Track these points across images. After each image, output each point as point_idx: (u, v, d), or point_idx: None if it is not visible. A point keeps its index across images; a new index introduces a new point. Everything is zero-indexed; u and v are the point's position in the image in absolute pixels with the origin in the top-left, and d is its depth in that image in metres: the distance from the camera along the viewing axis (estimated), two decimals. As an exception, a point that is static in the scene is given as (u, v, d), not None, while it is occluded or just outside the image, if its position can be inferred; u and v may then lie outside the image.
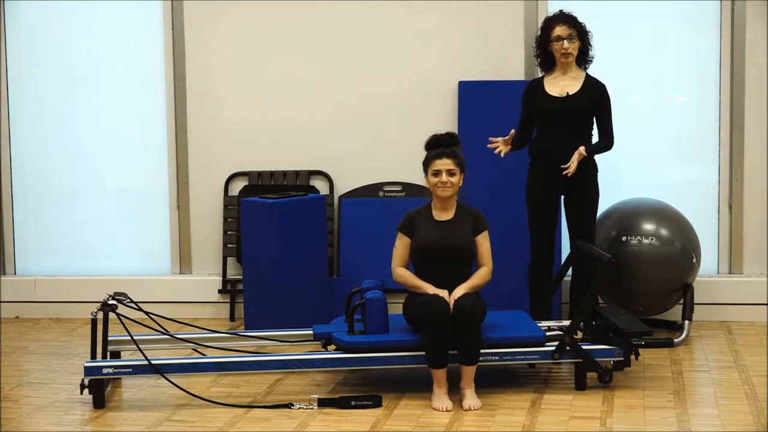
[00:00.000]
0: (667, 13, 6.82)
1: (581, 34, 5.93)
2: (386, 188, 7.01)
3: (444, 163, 5.29)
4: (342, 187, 7.07)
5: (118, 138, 7.33)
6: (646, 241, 6.22)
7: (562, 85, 5.94)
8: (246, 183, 7.14)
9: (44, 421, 5.07)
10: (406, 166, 6.76)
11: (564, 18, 5.91)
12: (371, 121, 7.02)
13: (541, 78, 6.04)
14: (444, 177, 5.28)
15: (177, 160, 7.20)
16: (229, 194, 7.15)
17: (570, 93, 5.91)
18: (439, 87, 6.91)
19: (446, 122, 6.80)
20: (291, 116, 7.09)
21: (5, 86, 7.34)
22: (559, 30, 5.88)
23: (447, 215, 5.36)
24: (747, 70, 6.69)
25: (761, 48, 6.67)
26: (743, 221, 6.77)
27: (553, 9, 6.71)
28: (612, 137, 5.95)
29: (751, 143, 6.73)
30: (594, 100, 5.92)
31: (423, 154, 5.39)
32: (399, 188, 6.99)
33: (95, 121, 7.35)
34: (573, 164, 5.78)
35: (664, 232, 6.26)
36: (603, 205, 6.50)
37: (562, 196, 6.01)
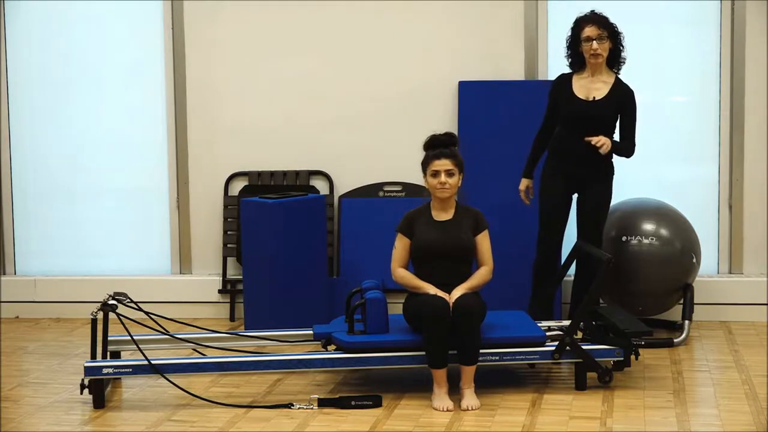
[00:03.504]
0: (667, 13, 6.82)
1: (612, 35, 5.88)
2: (386, 188, 7.01)
3: (443, 164, 5.29)
4: (342, 187, 7.07)
5: (118, 138, 7.33)
6: (646, 241, 6.22)
7: (590, 88, 5.91)
8: (246, 183, 7.14)
9: (44, 421, 5.07)
10: (406, 166, 6.75)
11: (594, 18, 5.86)
12: (371, 121, 7.02)
13: (571, 75, 6.00)
14: (443, 178, 5.28)
15: (177, 160, 7.21)
16: (229, 194, 7.15)
17: (597, 98, 5.89)
18: (439, 87, 6.91)
19: (446, 122, 6.80)
20: (291, 116, 7.09)
21: (5, 86, 7.34)
22: (589, 30, 5.84)
23: (446, 215, 5.36)
24: (747, 70, 6.69)
25: (761, 48, 6.67)
26: (743, 221, 6.77)
27: (553, 9, 6.74)
28: (633, 142, 5.95)
29: (751, 143, 6.73)
30: (620, 105, 5.90)
31: (422, 154, 5.39)
32: (399, 188, 6.98)
33: (95, 121, 7.35)
34: (602, 138, 5.74)
35: (664, 232, 6.26)
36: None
37: (576, 195, 6.01)
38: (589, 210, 5.96)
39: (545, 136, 6.04)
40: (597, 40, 5.83)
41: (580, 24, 5.90)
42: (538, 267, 6.05)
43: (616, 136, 5.97)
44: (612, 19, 5.92)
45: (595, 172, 5.90)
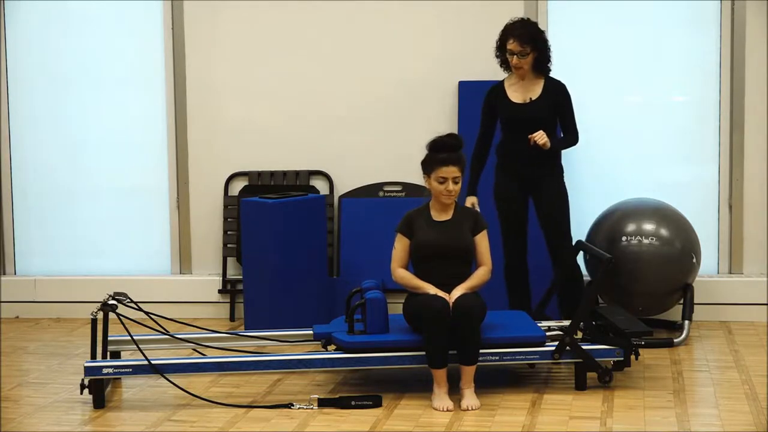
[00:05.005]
0: (667, 13, 6.82)
1: (537, 45, 5.92)
2: (386, 188, 7.01)
3: (450, 171, 5.24)
4: (342, 187, 7.06)
5: (118, 138, 7.33)
6: (646, 241, 6.22)
7: (523, 91, 5.99)
8: (246, 183, 7.14)
9: (44, 421, 5.07)
10: (406, 166, 6.75)
11: (518, 33, 5.88)
12: (371, 121, 7.02)
13: (502, 83, 6.07)
14: (450, 185, 5.26)
15: (177, 160, 7.20)
16: (229, 194, 7.15)
17: (533, 98, 5.96)
18: (439, 87, 6.91)
19: (446, 122, 6.80)
20: (291, 116, 7.09)
21: (5, 86, 7.34)
22: (512, 45, 5.91)
23: (446, 215, 5.35)
24: (747, 70, 6.69)
25: (761, 48, 6.67)
26: (743, 221, 6.76)
27: (552, 9, 6.74)
28: (576, 133, 6.02)
29: (751, 143, 6.73)
30: (556, 101, 5.98)
31: (422, 154, 5.36)
32: (399, 188, 6.98)
33: (95, 121, 7.35)
34: (539, 132, 5.82)
35: (664, 232, 6.26)
36: (603, 205, 6.52)
37: (531, 199, 6.04)
38: (548, 210, 6.01)
39: (482, 151, 6.09)
40: (518, 55, 5.89)
41: (505, 34, 5.95)
42: (508, 274, 6.08)
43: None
44: (537, 27, 5.96)
45: (544, 171, 5.97)
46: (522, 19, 6.02)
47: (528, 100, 5.97)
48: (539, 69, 5.99)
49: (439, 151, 5.27)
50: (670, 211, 6.41)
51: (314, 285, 6.58)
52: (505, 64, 6.04)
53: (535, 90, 5.98)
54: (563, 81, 6.05)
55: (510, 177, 6.01)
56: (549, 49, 5.98)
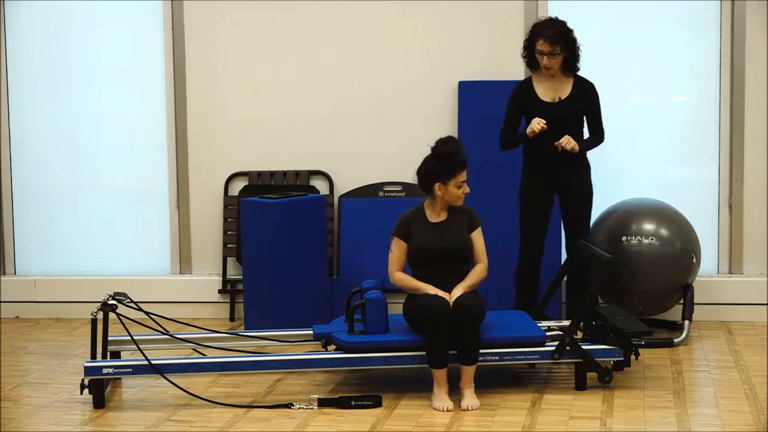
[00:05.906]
0: (667, 13, 6.82)
1: (567, 45, 5.90)
2: (386, 188, 7.01)
3: (465, 173, 5.28)
4: (342, 187, 7.06)
5: (119, 138, 7.33)
6: (646, 241, 6.23)
7: (553, 90, 5.98)
8: (246, 183, 7.14)
9: (44, 421, 5.07)
10: (406, 166, 6.69)
11: (548, 34, 5.86)
12: (371, 121, 7.02)
13: (530, 80, 6.05)
14: (466, 187, 5.29)
15: (177, 160, 7.20)
16: (229, 194, 7.15)
17: (562, 98, 5.95)
18: (439, 87, 6.91)
19: (446, 122, 6.81)
20: (291, 116, 7.09)
21: (5, 85, 7.34)
22: (542, 45, 5.88)
23: (442, 216, 5.35)
24: (747, 70, 6.69)
25: (761, 48, 6.67)
26: (743, 221, 6.77)
27: (552, 9, 6.73)
28: (602, 132, 6.04)
29: (751, 143, 6.73)
30: (586, 100, 5.98)
31: (422, 154, 5.36)
32: (399, 188, 6.98)
33: (95, 121, 7.35)
34: (567, 138, 5.82)
35: (664, 232, 6.26)
36: (603, 205, 6.52)
37: (557, 196, 6.04)
38: (574, 208, 6.02)
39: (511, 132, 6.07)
40: (549, 55, 5.88)
41: (535, 34, 5.92)
42: (521, 273, 6.05)
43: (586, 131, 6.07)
44: (566, 26, 5.92)
45: (572, 171, 5.97)
46: (550, 18, 5.98)
47: (557, 99, 5.95)
48: (569, 68, 5.97)
49: (454, 157, 5.27)
50: (670, 211, 6.41)
51: (314, 285, 6.58)
52: (532, 64, 6.02)
53: (565, 89, 5.97)
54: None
55: (538, 177, 5.99)
56: (578, 47, 5.95)
